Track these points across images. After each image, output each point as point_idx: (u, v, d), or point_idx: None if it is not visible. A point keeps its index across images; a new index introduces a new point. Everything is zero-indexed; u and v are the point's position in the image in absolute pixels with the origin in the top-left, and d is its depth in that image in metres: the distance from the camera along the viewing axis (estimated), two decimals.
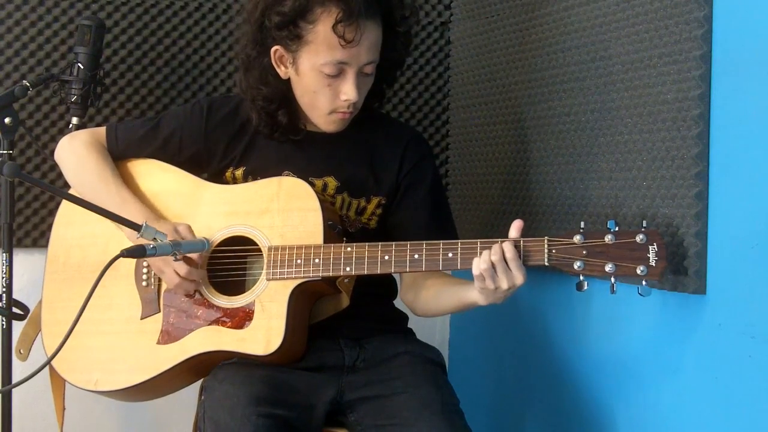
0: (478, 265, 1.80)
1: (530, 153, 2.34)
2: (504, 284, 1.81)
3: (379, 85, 2.12)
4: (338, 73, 1.98)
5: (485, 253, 1.81)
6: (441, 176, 2.36)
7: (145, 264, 2.10)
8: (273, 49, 2.02)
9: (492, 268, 1.80)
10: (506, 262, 1.80)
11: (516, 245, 1.81)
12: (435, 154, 2.74)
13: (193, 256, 2.00)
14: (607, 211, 2.02)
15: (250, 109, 2.10)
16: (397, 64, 2.15)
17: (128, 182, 2.16)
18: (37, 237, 2.64)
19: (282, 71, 2.04)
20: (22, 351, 2.31)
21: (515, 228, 1.84)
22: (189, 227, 2.03)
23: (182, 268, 2.00)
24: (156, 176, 2.17)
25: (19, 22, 2.60)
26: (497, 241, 1.82)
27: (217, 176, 2.17)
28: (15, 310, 2.36)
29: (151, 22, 2.68)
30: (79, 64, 2.43)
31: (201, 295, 2.04)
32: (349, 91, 1.99)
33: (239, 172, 2.14)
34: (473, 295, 1.90)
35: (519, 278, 1.80)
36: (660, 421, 1.92)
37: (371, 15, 1.95)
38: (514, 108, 2.43)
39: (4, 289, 2.35)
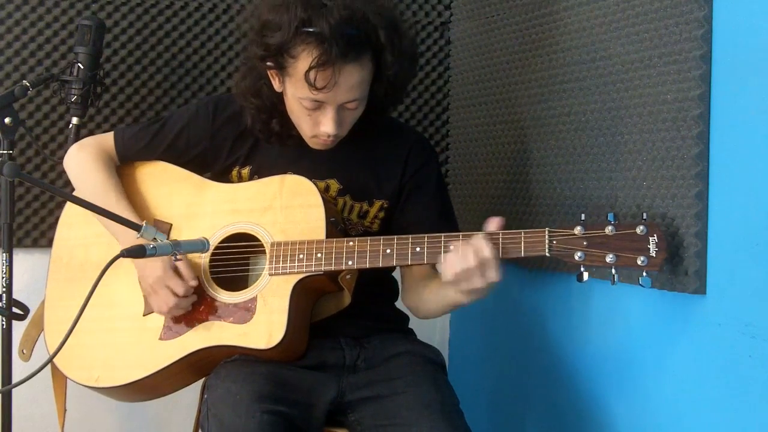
0: (452, 271, 1.80)
1: (530, 153, 2.34)
2: (478, 284, 1.80)
3: (379, 102, 2.07)
4: (317, 108, 1.97)
5: (456, 261, 1.79)
6: (444, 180, 2.35)
7: None
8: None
9: (465, 273, 1.79)
10: (481, 265, 1.78)
11: (494, 241, 1.79)
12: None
13: (179, 289, 2.00)
14: (606, 211, 2.02)
15: (247, 114, 2.11)
16: (394, 96, 2.09)
17: (133, 184, 2.18)
18: (37, 237, 2.65)
19: (276, 85, 2.03)
20: (24, 351, 2.31)
21: (494, 224, 1.83)
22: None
23: (171, 300, 2.00)
24: (160, 177, 2.18)
25: (19, 22, 2.60)
26: (497, 235, 1.82)
27: (222, 175, 2.17)
28: (15, 310, 2.36)
29: (151, 22, 2.68)
30: (79, 64, 2.43)
31: (203, 290, 2.05)
32: (327, 125, 1.98)
33: (245, 171, 2.15)
34: (455, 297, 1.90)
35: (493, 277, 1.79)
36: (659, 420, 1.92)
37: (352, 58, 1.90)
38: (514, 108, 2.43)
39: (4, 289, 2.36)
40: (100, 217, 2.07)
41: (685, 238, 1.79)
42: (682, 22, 1.81)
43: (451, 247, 1.82)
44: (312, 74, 1.88)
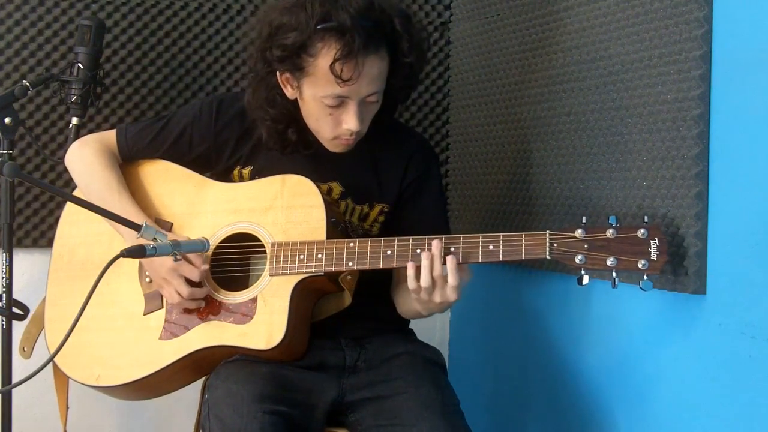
0: (414, 283, 1.86)
1: (530, 153, 2.34)
2: (437, 299, 1.87)
3: (392, 100, 2.09)
4: (339, 105, 1.96)
5: (426, 276, 1.85)
6: (443, 186, 2.35)
7: None
8: (279, 72, 2.01)
9: (431, 285, 1.86)
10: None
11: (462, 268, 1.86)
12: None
13: (194, 275, 2.01)
14: (606, 211, 2.02)
15: (260, 127, 2.10)
16: (409, 87, 2.10)
17: (135, 182, 2.18)
18: (37, 237, 2.65)
19: (289, 92, 2.03)
20: (25, 348, 2.31)
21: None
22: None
23: (184, 289, 2.02)
24: (161, 176, 2.18)
25: (19, 22, 2.60)
26: (498, 237, 1.83)
27: (224, 174, 2.17)
28: (15, 310, 2.36)
29: (151, 22, 2.68)
30: (79, 64, 2.43)
31: (204, 290, 2.05)
32: (350, 122, 1.97)
33: (246, 171, 2.15)
34: (415, 305, 1.95)
35: (453, 297, 1.86)
36: (660, 421, 1.92)
37: (373, 50, 1.91)
38: (514, 108, 2.43)
39: (4, 289, 2.36)
40: (101, 209, 2.08)
41: (685, 238, 1.79)
42: (682, 22, 1.81)
43: (421, 254, 1.86)
44: (338, 66, 1.88)
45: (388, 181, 2.14)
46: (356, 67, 1.89)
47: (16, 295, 2.38)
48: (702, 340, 1.80)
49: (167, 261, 2.01)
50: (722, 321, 1.74)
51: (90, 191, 2.15)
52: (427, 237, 1.89)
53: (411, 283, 1.87)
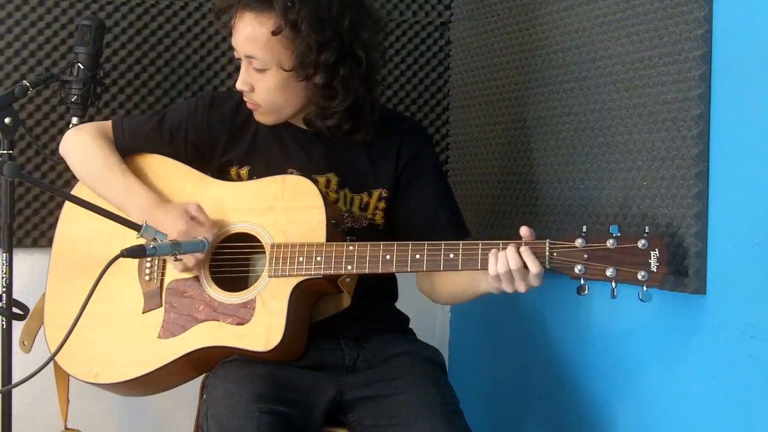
0: (496, 269, 1.81)
1: (530, 153, 2.34)
2: (522, 288, 1.83)
3: (329, 85, 2.01)
4: (240, 63, 2.04)
5: (502, 261, 1.80)
6: (441, 165, 2.33)
7: (148, 259, 2.10)
8: None
9: (510, 274, 1.81)
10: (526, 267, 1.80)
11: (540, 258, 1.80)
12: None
13: (205, 222, 2.02)
14: (606, 211, 2.02)
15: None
16: (326, 73, 1.99)
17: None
18: (37, 237, 2.64)
19: None
20: (25, 343, 2.31)
21: (525, 232, 1.84)
22: (199, 206, 2.05)
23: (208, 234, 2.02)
24: (161, 173, 2.18)
25: (19, 22, 2.60)
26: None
27: (220, 174, 2.17)
28: (15, 310, 2.36)
29: (151, 22, 2.68)
30: (79, 64, 2.43)
31: (203, 290, 2.05)
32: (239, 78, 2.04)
33: (244, 172, 2.15)
34: (487, 287, 1.91)
35: (536, 283, 1.82)
36: (660, 421, 1.92)
37: (253, 8, 1.97)
38: (514, 108, 2.43)
39: (4, 289, 2.35)
40: (107, 193, 2.11)
41: (685, 238, 1.79)
42: (682, 22, 1.81)
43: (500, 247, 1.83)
44: (226, 15, 2.01)
45: (382, 166, 2.13)
46: (234, 19, 2.00)
47: (16, 295, 2.38)
48: (702, 340, 1.80)
49: (178, 225, 2.02)
50: (722, 321, 1.74)
51: (89, 174, 2.15)
52: (427, 243, 1.89)
53: (492, 270, 1.83)
